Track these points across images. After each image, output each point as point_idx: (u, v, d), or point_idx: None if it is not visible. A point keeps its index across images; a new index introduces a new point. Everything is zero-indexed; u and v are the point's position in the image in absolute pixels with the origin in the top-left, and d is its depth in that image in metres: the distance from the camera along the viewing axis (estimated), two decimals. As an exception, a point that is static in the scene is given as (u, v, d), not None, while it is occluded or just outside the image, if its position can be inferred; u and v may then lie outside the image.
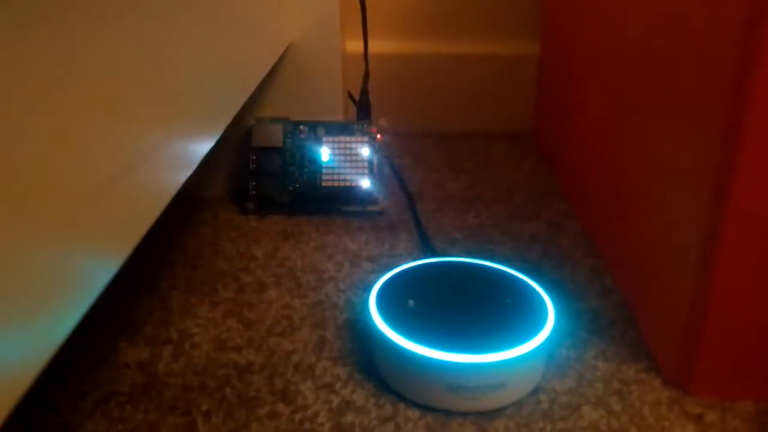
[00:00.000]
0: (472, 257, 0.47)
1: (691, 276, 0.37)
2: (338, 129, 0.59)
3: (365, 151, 0.59)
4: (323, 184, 0.59)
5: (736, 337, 0.37)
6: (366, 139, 0.59)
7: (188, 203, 0.61)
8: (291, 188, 0.59)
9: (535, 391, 0.40)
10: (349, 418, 0.38)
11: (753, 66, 0.32)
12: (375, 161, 0.59)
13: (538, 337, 0.38)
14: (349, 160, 0.59)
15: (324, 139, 0.59)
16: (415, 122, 0.79)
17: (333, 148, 0.59)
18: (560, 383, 0.40)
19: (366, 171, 0.59)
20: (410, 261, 0.45)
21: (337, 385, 0.40)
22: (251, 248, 0.54)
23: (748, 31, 0.32)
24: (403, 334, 0.38)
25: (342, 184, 0.59)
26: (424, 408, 0.38)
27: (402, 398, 0.39)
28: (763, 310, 0.36)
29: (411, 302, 0.41)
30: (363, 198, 0.59)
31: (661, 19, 0.42)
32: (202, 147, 0.36)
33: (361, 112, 0.61)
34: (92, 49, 0.23)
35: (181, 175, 0.32)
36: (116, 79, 0.25)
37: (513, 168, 0.70)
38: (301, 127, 0.59)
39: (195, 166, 0.34)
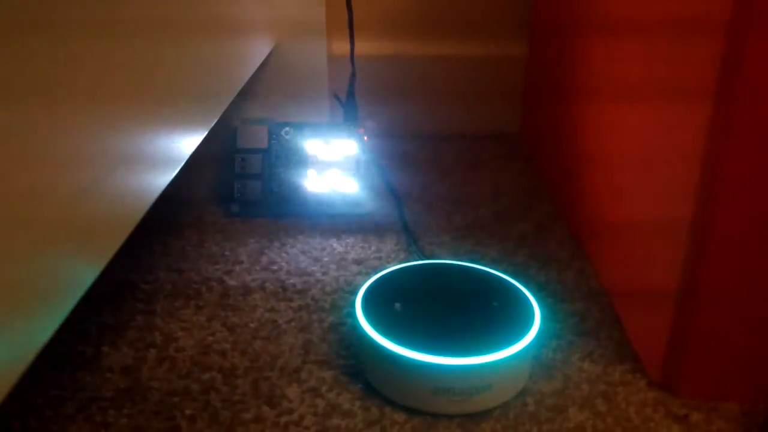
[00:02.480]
0: (459, 259, 0.47)
1: (677, 278, 0.37)
2: (324, 130, 0.59)
3: (352, 153, 0.58)
4: (309, 186, 0.59)
5: (721, 338, 0.37)
6: (352, 140, 0.59)
7: (172, 205, 0.61)
8: (276, 190, 0.59)
9: (522, 393, 0.39)
10: (336, 421, 0.37)
11: (739, 68, 0.32)
12: (362, 163, 0.59)
13: (525, 340, 0.38)
14: (335, 162, 0.59)
15: (310, 140, 0.59)
16: (402, 124, 0.79)
17: (319, 150, 0.58)
18: (547, 385, 0.40)
19: (353, 173, 0.59)
20: (397, 263, 0.45)
21: (323, 389, 0.40)
22: (236, 251, 0.54)
23: (733, 30, 0.32)
24: (389, 337, 0.38)
25: (328, 186, 0.59)
26: (411, 411, 0.38)
27: (388, 401, 0.39)
28: (747, 311, 0.37)
29: (397, 305, 0.40)
30: (349, 200, 0.59)
31: (648, 20, 0.42)
32: (186, 148, 0.35)
33: (348, 114, 0.61)
34: (76, 50, 0.23)
35: (165, 177, 0.32)
36: (99, 80, 0.24)
37: (500, 170, 0.70)
38: (287, 128, 0.59)
39: (179, 167, 0.34)
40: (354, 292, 0.49)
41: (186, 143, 0.35)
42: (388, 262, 0.53)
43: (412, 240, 0.55)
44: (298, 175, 0.59)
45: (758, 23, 0.31)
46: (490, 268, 0.44)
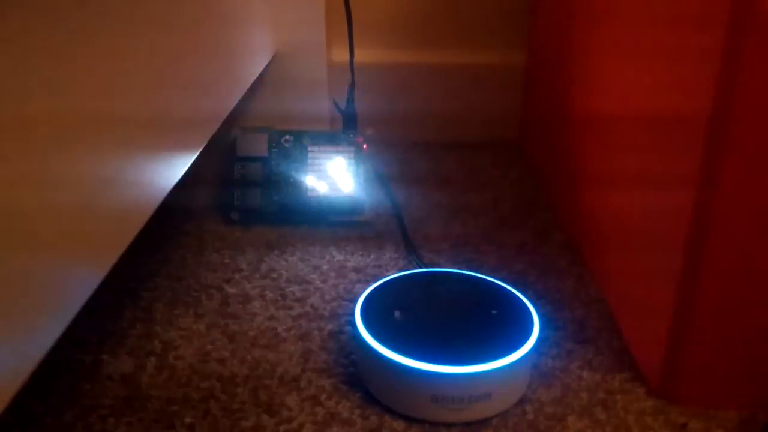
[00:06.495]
0: (458, 267, 0.47)
1: (676, 286, 0.37)
2: (324, 139, 0.59)
3: (351, 161, 0.59)
4: (309, 194, 0.59)
5: (720, 346, 0.37)
6: (352, 148, 0.59)
7: (172, 213, 0.61)
8: (276, 198, 0.59)
9: (521, 401, 0.40)
10: (335, 429, 0.37)
11: (735, 76, 0.32)
12: (361, 171, 0.59)
13: (524, 348, 0.38)
14: (335, 170, 0.59)
15: (309, 148, 0.59)
16: (402, 132, 0.79)
17: (319, 158, 0.59)
18: (546, 393, 0.40)
19: (352, 181, 0.59)
20: (396, 271, 0.45)
21: (323, 397, 0.40)
22: (236, 259, 0.54)
23: (730, 38, 0.32)
24: (388, 346, 0.38)
25: (328, 194, 0.59)
26: (410, 419, 0.38)
27: (388, 410, 0.39)
28: (746, 319, 0.37)
29: (397, 313, 0.40)
30: (349, 208, 0.59)
31: (645, 28, 0.42)
32: (186, 157, 0.35)
33: (347, 122, 0.61)
34: (75, 61, 0.23)
35: (165, 186, 0.32)
36: (99, 89, 0.25)
37: (499, 178, 0.70)
38: (287, 136, 0.59)
39: (179, 176, 0.34)
40: (353, 300, 0.49)
41: (186, 151, 0.35)
42: (388, 270, 0.53)
43: (412, 248, 0.55)
44: (298, 183, 0.59)
45: (757, 30, 0.31)
46: (489, 276, 0.45)
